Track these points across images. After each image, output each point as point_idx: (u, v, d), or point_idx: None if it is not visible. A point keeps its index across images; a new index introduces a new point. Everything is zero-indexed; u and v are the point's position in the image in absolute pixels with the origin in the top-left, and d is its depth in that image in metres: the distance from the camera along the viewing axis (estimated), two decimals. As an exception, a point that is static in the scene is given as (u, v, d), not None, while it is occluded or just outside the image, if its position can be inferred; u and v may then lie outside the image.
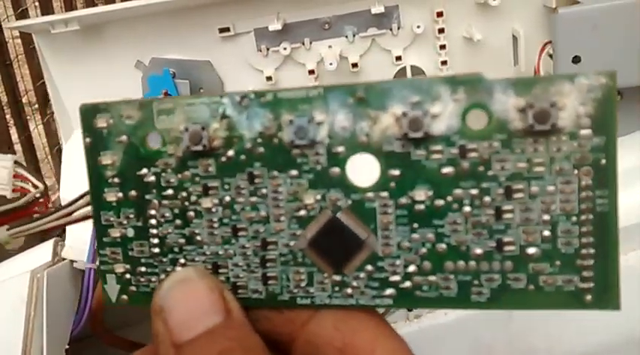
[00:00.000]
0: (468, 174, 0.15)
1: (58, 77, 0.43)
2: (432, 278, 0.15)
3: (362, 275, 0.16)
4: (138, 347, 0.22)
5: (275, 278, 0.16)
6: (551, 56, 0.36)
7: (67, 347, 0.33)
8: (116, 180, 0.17)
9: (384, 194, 0.15)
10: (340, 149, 0.15)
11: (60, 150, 1.25)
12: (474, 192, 0.15)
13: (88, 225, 0.36)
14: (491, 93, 0.14)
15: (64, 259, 0.37)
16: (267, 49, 0.40)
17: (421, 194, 0.15)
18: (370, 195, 0.15)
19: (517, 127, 0.14)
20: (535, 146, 0.14)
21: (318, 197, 0.16)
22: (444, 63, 0.40)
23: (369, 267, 0.16)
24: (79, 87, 0.43)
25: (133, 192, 0.17)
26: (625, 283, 0.15)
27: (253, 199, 0.16)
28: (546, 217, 0.15)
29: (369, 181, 0.15)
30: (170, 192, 0.16)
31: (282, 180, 0.16)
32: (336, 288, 0.16)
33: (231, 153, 0.16)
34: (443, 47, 0.39)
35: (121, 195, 0.17)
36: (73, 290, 0.37)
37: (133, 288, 0.17)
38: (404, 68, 0.40)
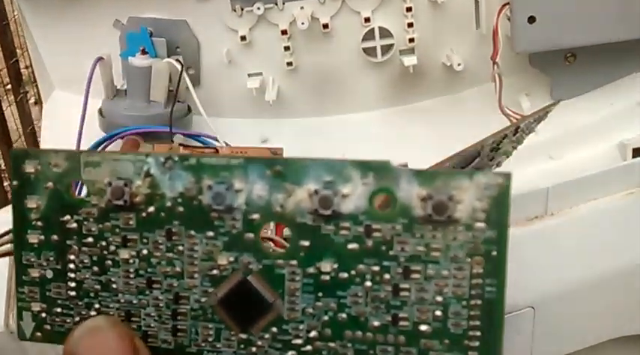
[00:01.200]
0: (371, 252, 0.16)
1: (39, 39, 0.44)
2: (332, 344, 0.16)
3: (267, 335, 0.16)
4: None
5: (185, 330, 0.17)
6: (509, 18, 0.39)
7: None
8: (39, 223, 0.17)
9: (294, 262, 0.16)
10: (255, 216, 0.16)
11: (34, 132, 1.24)
12: (376, 268, 0.16)
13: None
14: (397, 180, 0.15)
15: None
16: (242, 9, 0.42)
17: (327, 266, 0.16)
18: (281, 261, 0.16)
19: (418, 214, 0.15)
20: (433, 233, 0.15)
21: (232, 259, 0.16)
22: (410, 25, 0.42)
23: (274, 329, 0.16)
24: (60, 47, 0.44)
25: (54, 237, 0.17)
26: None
27: (170, 255, 0.17)
28: (439, 298, 0.16)
29: (281, 249, 0.16)
30: (90, 240, 0.17)
31: (198, 240, 0.16)
32: (242, 346, 0.17)
33: (151, 209, 0.17)
34: (409, 10, 0.41)
35: (42, 238, 0.17)
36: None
37: (48, 327, 0.18)
38: (372, 29, 0.42)
